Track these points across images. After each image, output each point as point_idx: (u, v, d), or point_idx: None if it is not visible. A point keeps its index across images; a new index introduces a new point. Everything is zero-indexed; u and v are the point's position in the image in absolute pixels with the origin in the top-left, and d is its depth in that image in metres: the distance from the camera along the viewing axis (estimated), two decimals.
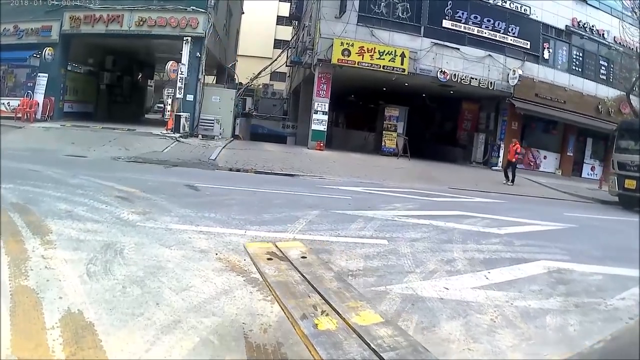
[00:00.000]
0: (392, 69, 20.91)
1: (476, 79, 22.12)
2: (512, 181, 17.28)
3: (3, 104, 21.12)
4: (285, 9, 50.66)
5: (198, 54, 20.44)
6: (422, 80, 21.96)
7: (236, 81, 31.18)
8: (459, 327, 3.62)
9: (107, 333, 3.00)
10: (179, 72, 19.54)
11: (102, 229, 5.54)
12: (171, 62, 19.76)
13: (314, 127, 21.33)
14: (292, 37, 34.88)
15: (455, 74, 21.71)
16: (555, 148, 26.06)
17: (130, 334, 3.04)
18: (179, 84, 19.62)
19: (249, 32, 41.05)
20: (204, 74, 21.42)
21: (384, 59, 20.81)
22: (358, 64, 20.70)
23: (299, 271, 3.27)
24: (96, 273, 4.09)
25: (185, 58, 19.69)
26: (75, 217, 5.91)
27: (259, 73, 28.00)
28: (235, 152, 17.11)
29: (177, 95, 19.79)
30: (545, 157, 25.69)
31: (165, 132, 19.18)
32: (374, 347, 2.33)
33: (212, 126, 20.19)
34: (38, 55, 21.05)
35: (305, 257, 3.43)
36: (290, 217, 7.26)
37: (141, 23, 20.63)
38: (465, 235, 7.05)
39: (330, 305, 2.73)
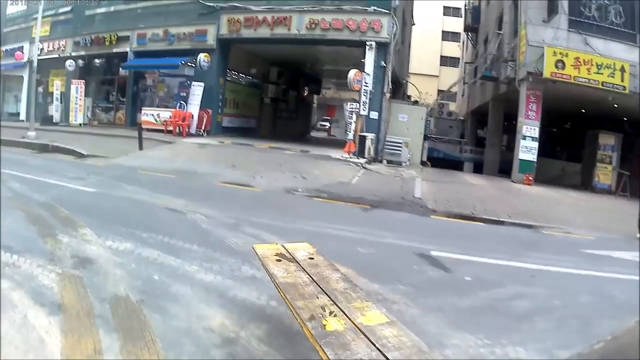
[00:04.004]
0: (613, 87, 16.16)
1: None
2: None
3: (152, 115, 19.58)
4: (450, 24, 48.65)
5: (383, 62, 17.06)
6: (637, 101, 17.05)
7: (412, 99, 27.42)
8: None
9: None
10: (363, 84, 16.24)
11: None
12: (355, 70, 16.50)
13: (522, 156, 17.29)
14: (472, 51, 30.63)
15: None
16: None
17: None
18: (363, 98, 16.35)
19: (414, 48, 37.55)
20: (390, 87, 17.89)
21: (602, 73, 16.18)
22: (574, 79, 16.19)
23: (306, 272, 3.20)
24: None
25: (369, 67, 16.43)
26: None
27: (450, 88, 23.98)
28: (436, 186, 13.23)
29: (362, 112, 16.53)
30: None
31: (347, 155, 16.01)
32: (379, 347, 2.28)
33: (400, 150, 16.75)
34: (193, 64, 19.04)
35: (313, 258, 3.43)
36: None
37: (313, 26, 17.84)
38: None
39: (338, 306, 2.68)
